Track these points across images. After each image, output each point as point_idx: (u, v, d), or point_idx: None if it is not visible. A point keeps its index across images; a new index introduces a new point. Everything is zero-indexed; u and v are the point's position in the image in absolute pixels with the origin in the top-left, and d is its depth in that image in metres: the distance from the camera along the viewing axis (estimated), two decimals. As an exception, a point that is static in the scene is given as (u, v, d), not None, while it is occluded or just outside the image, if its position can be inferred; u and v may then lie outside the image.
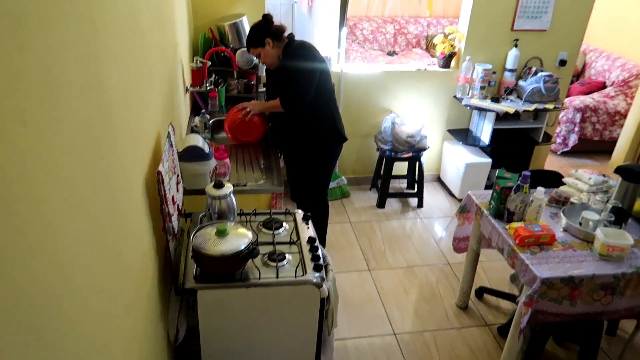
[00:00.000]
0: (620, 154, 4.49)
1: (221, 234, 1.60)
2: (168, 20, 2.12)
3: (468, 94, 3.82)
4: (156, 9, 1.78)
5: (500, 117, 3.66)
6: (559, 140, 4.85)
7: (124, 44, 1.24)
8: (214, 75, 3.12)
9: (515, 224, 2.21)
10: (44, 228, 0.71)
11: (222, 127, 2.77)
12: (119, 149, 1.16)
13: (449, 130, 4.03)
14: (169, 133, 1.75)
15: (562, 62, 3.91)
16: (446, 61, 3.86)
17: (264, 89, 3.23)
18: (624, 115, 4.68)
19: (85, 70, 0.92)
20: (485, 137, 3.80)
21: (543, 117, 3.83)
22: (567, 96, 4.83)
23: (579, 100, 4.77)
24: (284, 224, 1.94)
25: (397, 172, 3.91)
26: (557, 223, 2.33)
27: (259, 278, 1.62)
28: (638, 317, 2.17)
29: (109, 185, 1.06)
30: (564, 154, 4.91)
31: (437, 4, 5.72)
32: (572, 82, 4.88)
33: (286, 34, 2.66)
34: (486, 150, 3.90)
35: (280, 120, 2.76)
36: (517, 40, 3.75)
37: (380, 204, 3.85)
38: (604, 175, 2.51)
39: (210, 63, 2.97)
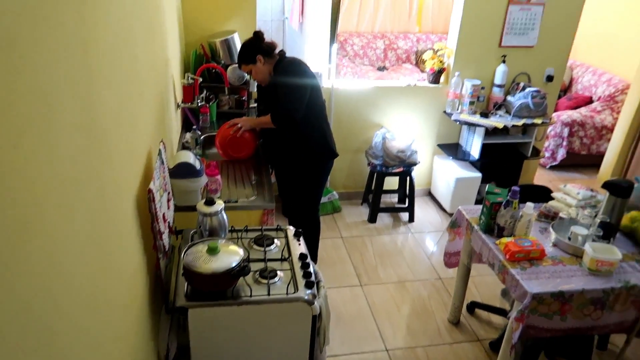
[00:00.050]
0: (607, 168, 4.55)
1: (212, 251, 1.59)
2: (159, 38, 2.13)
3: (457, 109, 3.87)
4: (148, 27, 1.79)
5: (490, 132, 3.70)
6: (547, 154, 4.90)
7: (115, 63, 1.24)
8: (205, 91, 3.13)
9: (505, 239, 2.23)
10: (33, 250, 0.71)
11: (214, 143, 2.77)
12: (111, 169, 1.16)
13: (439, 145, 4.07)
14: (160, 150, 1.75)
15: (550, 78, 3.98)
16: (435, 77, 3.91)
17: (255, 105, 3.25)
18: (610, 130, 4.75)
19: (77, 91, 0.93)
20: (475, 152, 3.84)
21: (531, 131, 3.88)
22: (555, 111, 4.90)
23: (566, 115, 4.84)
24: (276, 240, 1.94)
25: (388, 187, 3.93)
26: (547, 238, 2.35)
27: (251, 295, 1.61)
28: (628, 332, 2.19)
29: (101, 205, 1.06)
30: (552, 167, 4.97)
31: (426, 19, 5.81)
32: (559, 97, 4.96)
33: (277, 50, 2.68)
34: (476, 164, 3.93)
35: (272, 136, 2.77)
36: (505, 56, 3.81)
37: (372, 219, 3.86)
38: (592, 190, 2.55)
39: (201, 79, 2.99)
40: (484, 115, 3.78)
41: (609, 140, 4.68)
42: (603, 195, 2.38)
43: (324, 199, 3.81)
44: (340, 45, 5.49)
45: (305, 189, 2.86)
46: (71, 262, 0.86)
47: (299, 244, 1.92)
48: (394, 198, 4.15)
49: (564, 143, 4.82)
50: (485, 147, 3.79)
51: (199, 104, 2.94)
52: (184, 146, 2.74)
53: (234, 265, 1.57)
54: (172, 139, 2.47)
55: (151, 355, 1.57)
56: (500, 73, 3.81)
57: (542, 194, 2.82)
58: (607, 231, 2.22)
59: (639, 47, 4.42)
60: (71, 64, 0.90)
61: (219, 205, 1.84)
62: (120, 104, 1.29)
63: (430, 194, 4.28)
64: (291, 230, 2.01)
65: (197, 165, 2.12)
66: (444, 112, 3.94)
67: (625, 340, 2.26)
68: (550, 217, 2.49)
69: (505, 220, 2.28)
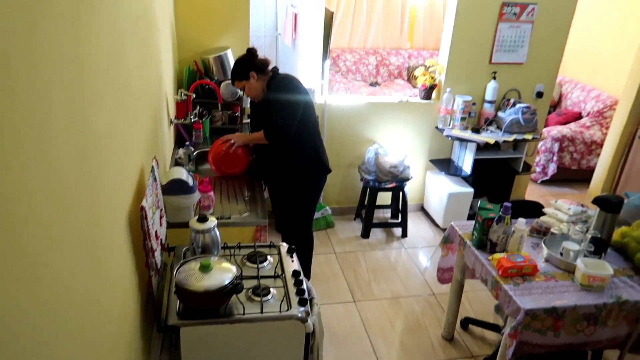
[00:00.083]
0: (597, 183, 4.60)
1: (205, 269, 1.58)
2: (153, 55, 2.14)
3: (449, 125, 3.90)
4: (141, 45, 1.80)
5: (481, 147, 3.73)
6: (538, 169, 4.94)
7: (109, 81, 1.25)
8: (198, 107, 3.14)
9: (498, 255, 2.23)
10: (25, 268, 0.70)
11: (206, 159, 2.77)
12: (104, 186, 1.16)
13: (432, 161, 4.09)
14: (153, 167, 1.75)
15: (539, 94, 4.03)
16: (427, 93, 3.95)
17: (249, 121, 3.26)
18: (600, 145, 4.81)
19: (71, 110, 0.93)
20: (467, 167, 3.86)
21: (522, 147, 3.92)
22: (545, 126, 4.96)
23: (556, 131, 4.89)
24: (269, 257, 1.93)
25: (380, 202, 3.94)
26: (539, 253, 2.36)
27: (243, 313, 1.60)
28: (621, 347, 2.19)
29: (93, 223, 1.05)
30: (544, 182, 5.01)
31: (417, 36, 5.88)
32: (549, 113, 5.02)
33: (270, 67, 2.70)
34: (468, 180, 3.95)
35: (265, 152, 2.77)
36: (495, 72, 3.87)
37: (365, 234, 3.86)
38: (582, 206, 2.57)
39: (194, 95, 2.99)
40: (476, 130, 3.81)
41: (598, 155, 4.74)
42: (594, 211, 2.40)
43: (317, 215, 3.81)
44: (333, 61, 5.54)
45: (299, 205, 2.86)
46: (63, 279, 0.86)
47: (292, 261, 1.91)
48: (387, 213, 4.16)
49: (555, 158, 4.86)
50: (477, 163, 3.82)
51: (192, 120, 2.95)
52: (176, 162, 2.74)
53: (226, 282, 1.56)
54: (165, 155, 2.47)
55: (142, 375, 1.55)
56: (491, 89, 3.86)
57: (533, 210, 2.84)
58: (599, 246, 2.23)
59: (626, 64, 4.50)
60: (65, 83, 0.90)
61: (212, 222, 1.83)
62: (114, 122, 1.29)
63: (423, 209, 4.29)
64: (284, 246, 2.00)
65: (190, 181, 2.12)
66: (436, 127, 3.98)
67: (618, 355, 2.26)
68: (542, 233, 2.50)
69: (498, 236, 2.29)
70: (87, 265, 1.00)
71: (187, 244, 1.89)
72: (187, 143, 2.84)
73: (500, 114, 3.87)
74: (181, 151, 2.74)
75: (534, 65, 3.92)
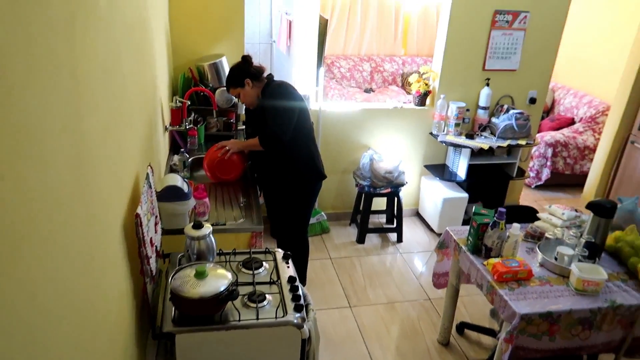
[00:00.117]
0: (591, 188, 4.63)
1: (200, 275, 1.58)
2: (148, 63, 2.14)
3: (443, 131, 3.92)
4: (136, 53, 1.81)
5: (475, 153, 3.75)
6: (532, 174, 4.97)
7: (104, 89, 1.25)
8: (193, 114, 3.14)
9: (493, 260, 2.24)
10: (21, 275, 0.70)
11: (202, 165, 2.77)
12: (99, 194, 1.16)
13: (426, 166, 4.11)
14: (147, 174, 1.75)
15: (532, 100, 4.06)
16: (421, 99, 3.97)
17: (244, 127, 3.26)
18: (592, 150, 4.84)
19: (66, 118, 0.93)
20: (461, 173, 3.88)
21: (516, 152, 3.94)
22: (538, 132, 4.99)
23: (549, 136, 4.93)
24: (264, 263, 1.93)
25: (376, 208, 3.94)
26: (534, 258, 2.37)
27: (239, 320, 1.60)
28: (616, 351, 2.20)
29: (88, 231, 1.05)
30: (538, 187, 5.03)
31: (411, 43, 5.91)
32: (542, 118, 5.05)
33: (265, 74, 2.71)
34: (462, 185, 3.97)
35: (260, 158, 2.78)
36: (488, 79, 3.89)
37: (360, 240, 3.86)
38: (576, 210, 2.58)
39: (189, 102, 3.00)
40: (470, 136, 3.83)
41: (591, 160, 4.77)
42: (588, 216, 2.41)
43: (312, 220, 3.81)
44: (328, 68, 5.56)
45: (294, 211, 2.86)
46: (58, 286, 0.85)
47: (288, 267, 1.92)
48: (382, 218, 4.17)
49: (548, 163, 4.89)
50: (471, 168, 3.84)
51: (187, 127, 2.95)
52: (171, 169, 2.73)
53: (222, 289, 1.55)
54: (159, 161, 2.47)
55: (137, 382, 1.54)
56: (485, 95, 3.89)
57: (528, 214, 2.85)
58: (593, 251, 2.25)
59: (617, 70, 4.54)
60: (61, 93, 0.90)
61: (207, 228, 1.83)
62: (109, 130, 1.29)
63: (418, 214, 4.30)
64: (280, 252, 2.00)
65: (185, 188, 2.12)
66: (430, 133, 4.00)
67: (613, 359, 2.27)
68: (536, 238, 2.52)
69: (493, 241, 2.30)
70: (82, 272, 1.00)
71: (182, 250, 1.89)
72: (182, 150, 2.84)
73: (494, 119, 3.89)
74: (176, 158, 2.74)
75: (526, 72, 3.95)
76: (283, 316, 1.63)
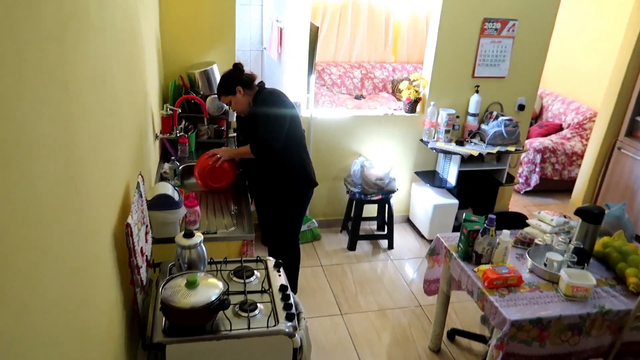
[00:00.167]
0: (579, 193, 4.68)
1: (191, 285, 1.57)
2: (139, 71, 2.14)
3: (434, 138, 3.95)
4: (127, 60, 1.80)
5: (465, 159, 3.78)
6: (521, 180, 5.02)
7: (95, 98, 1.25)
8: (184, 122, 3.13)
9: (483, 267, 2.25)
10: (9, 289, 0.70)
11: (192, 173, 2.76)
12: (89, 204, 1.15)
13: (417, 173, 4.13)
14: (138, 183, 1.74)
15: (521, 107, 4.10)
16: (412, 106, 4.00)
17: (235, 135, 3.26)
18: (580, 156, 4.90)
19: (56, 129, 0.92)
20: (452, 179, 3.90)
21: (505, 158, 3.97)
22: (527, 138, 5.04)
23: (538, 142, 4.98)
24: (255, 272, 1.92)
25: (367, 214, 3.95)
26: (523, 264, 2.38)
27: (230, 329, 1.59)
28: (605, 357, 2.22)
29: (78, 241, 1.04)
30: (527, 193, 5.08)
31: (401, 50, 5.96)
32: (531, 125, 5.11)
33: (256, 81, 2.71)
34: (453, 191, 3.99)
35: (251, 165, 2.78)
36: (478, 86, 3.93)
37: (351, 247, 3.86)
38: (565, 217, 2.61)
39: (180, 110, 2.99)
40: (460, 143, 3.86)
41: (579, 166, 4.82)
42: (576, 222, 2.44)
43: (303, 227, 3.80)
44: (319, 75, 5.58)
45: (285, 218, 2.86)
46: (47, 296, 0.85)
47: (279, 275, 1.91)
48: (373, 225, 4.17)
49: (537, 169, 4.94)
50: (461, 174, 3.86)
51: (178, 135, 2.94)
52: (162, 177, 2.72)
53: (213, 299, 1.55)
54: (150, 169, 2.46)
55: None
56: (474, 102, 3.92)
57: (517, 221, 2.88)
58: (581, 257, 2.27)
59: (604, 77, 4.61)
60: (52, 102, 0.90)
61: (198, 237, 1.82)
62: (100, 140, 1.28)
63: (408, 221, 4.31)
64: (271, 261, 2.00)
65: (176, 196, 2.11)
66: (421, 140, 4.02)
67: (602, 365, 2.29)
68: (526, 244, 2.54)
69: (483, 247, 2.32)
70: (71, 282, 0.99)
71: (173, 259, 1.88)
72: (173, 157, 2.83)
73: (483, 126, 3.93)
74: (167, 166, 2.73)
75: (515, 79, 4.00)
76: (275, 325, 1.63)
